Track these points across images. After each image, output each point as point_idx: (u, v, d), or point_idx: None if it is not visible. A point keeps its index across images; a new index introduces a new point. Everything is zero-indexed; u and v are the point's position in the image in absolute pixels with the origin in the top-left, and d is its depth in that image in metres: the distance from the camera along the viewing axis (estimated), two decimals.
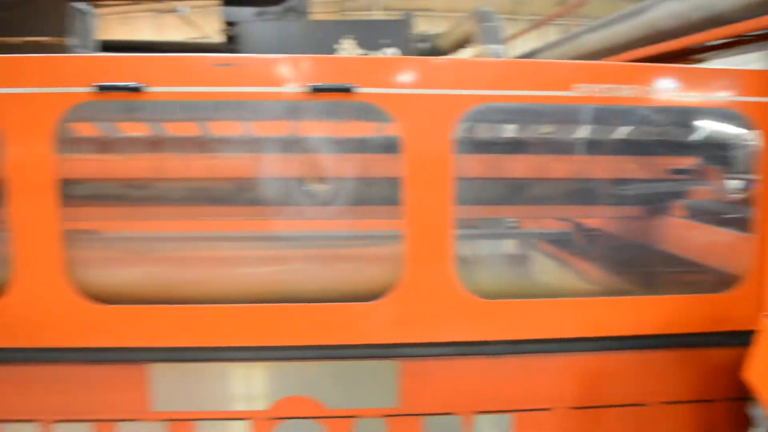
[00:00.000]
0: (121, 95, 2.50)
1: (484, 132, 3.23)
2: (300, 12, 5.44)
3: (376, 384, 2.70)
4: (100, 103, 2.54)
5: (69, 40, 5.05)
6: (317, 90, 2.47)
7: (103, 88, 2.48)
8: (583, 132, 3.04)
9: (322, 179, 2.81)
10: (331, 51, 5.15)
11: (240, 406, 2.69)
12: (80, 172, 3.16)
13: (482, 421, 2.76)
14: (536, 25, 9.28)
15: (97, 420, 2.73)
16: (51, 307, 2.58)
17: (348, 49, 4.89)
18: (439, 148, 2.51)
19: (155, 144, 3.28)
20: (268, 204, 3.00)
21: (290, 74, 2.54)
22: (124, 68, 2.52)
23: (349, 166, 2.80)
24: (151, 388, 2.67)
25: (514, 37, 8.60)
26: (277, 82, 2.54)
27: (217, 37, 5.72)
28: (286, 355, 2.67)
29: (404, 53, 5.24)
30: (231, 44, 5.49)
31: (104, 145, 3.32)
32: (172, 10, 14.28)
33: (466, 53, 5.85)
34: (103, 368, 2.67)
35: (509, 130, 3.48)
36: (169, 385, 2.69)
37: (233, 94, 2.58)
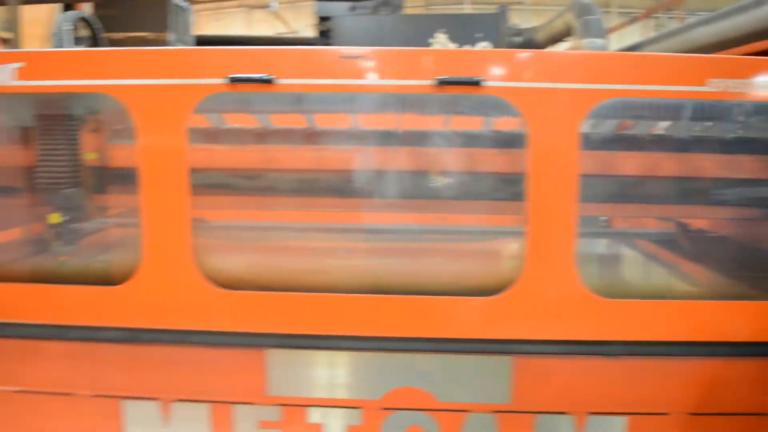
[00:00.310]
0: (252, 87, 2.58)
1: (599, 128, 3.15)
2: (394, 6, 5.45)
3: (490, 379, 2.70)
4: (227, 95, 2.63)
5: (169, 35, 5.24)
6: (445, 83, 2.49)
7: (236, 80, 2.55)
8: (711, 129, 2.92)
9: (443, 173, 2.79)
10: (425, 45, 5.14)
11: (352, 395, 2.70)
12: (207, 162, 3.26)
13: (595, 422, 2.72)
14: (636, 18, 8.94)
15: (215, 401, 2.82)
16: (178, 291, 2.68)
17: (441, 43, 4.85)
18: (567, 143, 2.49)
19: (278, 135, 3.33)
20: (392, 197, 2.98)
21: (418, 67, 2.53)
22: (254, 60, 2.61)
23: (470, 160, 2.76)
24: (267, 373, 2.75)
25: (610, 31, 8.34)
26: (405, 74, 2.55)
27: (306, 31, 5.73)
28: (400, 346, 2.69)
29: (497, 48, 5.17)
30: (324, 39, 5.53)
31: (228, 136, 3.34)
32: (263, 6, 14.61)
33: (562, 47, 5.73)
34: (223, 351, 2.76)
35: (615, 126, 3.37)
36: (285, 371, 2.76)
37: (360, 86, 2.60)
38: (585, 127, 2.53)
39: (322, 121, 3.37)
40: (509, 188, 2.57)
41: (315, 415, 2.73)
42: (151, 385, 2.81)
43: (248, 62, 2.57)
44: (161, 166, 2.54)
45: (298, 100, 2.85)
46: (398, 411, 2.74)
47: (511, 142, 2.54)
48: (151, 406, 2.83)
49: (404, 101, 2.69)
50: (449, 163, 2.88)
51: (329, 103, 2.97)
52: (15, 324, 2.81)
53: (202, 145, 3.35)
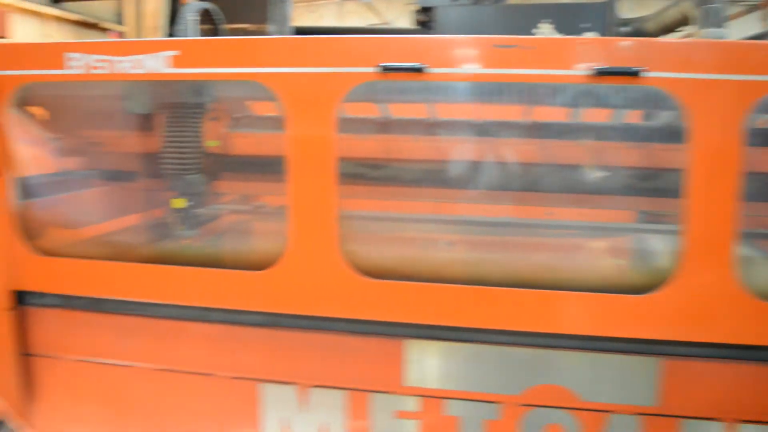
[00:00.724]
0: (403, 76, 2.57)
1: None
2: None
3: (636, 380, 2.64)
4: (376, 84, 2.63)
5: (269, 27, 5.34)
6: (603, 73, 2.44)
7: (387, 69, 2.56)
8: None
9: (598, 166, 2.73)
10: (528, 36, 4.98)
11: (491, 389, 2.67)
12: (352, 152, 3.30)
13: (747, 431, 2.61)
14: (757, 7, 8.49)
15: (352, 389, 2.86)
16: (321, 278, 2.73)
17: (546, 33, 4.73)
18: (730, 138, 2.42)
19: (425, 125, 3.35)
20: (546, 190, 2.92)
21: (575, 56, 2.50)
22: (405, 49, 2.60)
23: (624, 153, 2.69)
24: (406, 363, 2.73)
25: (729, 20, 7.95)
26: (561, 64, 2.51)
27: (398, 22, 5.69)
28: (544, 342, 2.67)
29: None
30: (424, 29, 5.50)
31: (374, 126, 3.37)
32: None
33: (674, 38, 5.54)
34: (363, 340, 2.79)
35: None
36: (424, 362, 2.76)
37: (513, 76, 2.57)
38: (748, 121, 2.38)
39: (465, 112, 3.33)
40: (651, 183, 2.43)
41: (452, 408, 2.71)
42: (289, 369, 2.88)
43: (398, 51, 2.57)
44: (310, 154, 2.56)
45: (444, 90, 2.80)
46: (538, 408, 2.70)
47: (653, 135, 2.41)
48: (288, 390, 2.90)
49: (562, 91, 2.61)
50: (604, 156, 2.78)
51: (474, 93, 2.96)
52: (159, 305, 2.95)
53: (349, 134, 3.32)
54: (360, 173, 3.40)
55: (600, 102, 2.88)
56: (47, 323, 3.14)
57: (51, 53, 2.81)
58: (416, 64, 2.53)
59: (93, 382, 3.18)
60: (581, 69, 2.49)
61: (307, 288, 2.66)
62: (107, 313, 2.94)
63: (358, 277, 2.59)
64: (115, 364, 3.10)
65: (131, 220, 3.85)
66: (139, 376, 2.98)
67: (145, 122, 3.92)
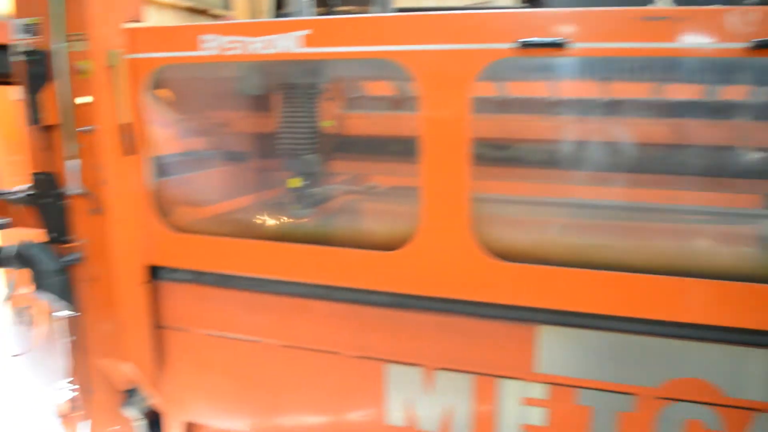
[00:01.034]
0: (542, 51, 2.39)
1: None
2: None
3: None
4: (512, 61, 2.45)
5: (371, 8, 5.32)
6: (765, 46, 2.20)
7: (526, 45, 2.44)
8: None
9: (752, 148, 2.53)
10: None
11: (628, 380, 2.54)
12: (484, 132, 3.25)
13: None
14: None
15: (479, 373, 2.80)
16: (452, 260, 2.67)
17: (663, 4, 4.44)
18: None
19: (559, 105, 3.27)
20: (694, 173, 2.86)
21: (731, 27, 2.32)
22: (544, 23, 2.40)
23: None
24: (537, 349, 2.64)
25: None
26: (715, 36, 2.33)
27: (502, 1, 5.50)
28: (686, 333, 2.45)
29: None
30: (531, 6, 5.28)
31: (504, 105, 3.29)
32: None
33: None
34: (493, 324, 2.73)
35: None
36: (556, 349, 2.62)
37: (665, 50, 2.42)
38: None
39: (605, 90, 3.22)
40: None
41: (584, 397, 2.61)
42: (415, 351, 2.85)
43: (537, 25, 2.39)
44: (443, 134, 2.49)
45: (583, 66, 2.73)
46: (678, 402, 2.56)
47: None
48: (414, 372, 2.87)
49: (714, 66, 2.48)
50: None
51: (614, 69, 2.86)
52: (286, 282, 3.00)
53: (483, 114, 3.32)
54: (491, 154, 3.34)
55: (756, 78, 2.64)
56: (178, 297, 3.25)
57: (186, 36, 2.87)
58: (557, 39, 2.40)
59: (219, 355, 3.26)
60: (740, 41, 2.30)
61: (437, 269, 2.61)
62: (235, 289, 3.00)
63: (490, 260, 2.53)
64: (241, 339, 3.18)
65: (250, 198, 3.93)
66: (264, 351, 3.04)
67: (263, 103, 3.99)
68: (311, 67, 3.40)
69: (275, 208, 3.72)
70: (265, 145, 3.90)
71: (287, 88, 3.50)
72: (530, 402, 2.69)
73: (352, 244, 2.77)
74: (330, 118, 4.05)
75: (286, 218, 3.55)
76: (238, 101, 3.90)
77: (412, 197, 3.39)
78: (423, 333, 2.78)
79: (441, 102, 2.48)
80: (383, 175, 4.02)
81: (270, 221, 3.49)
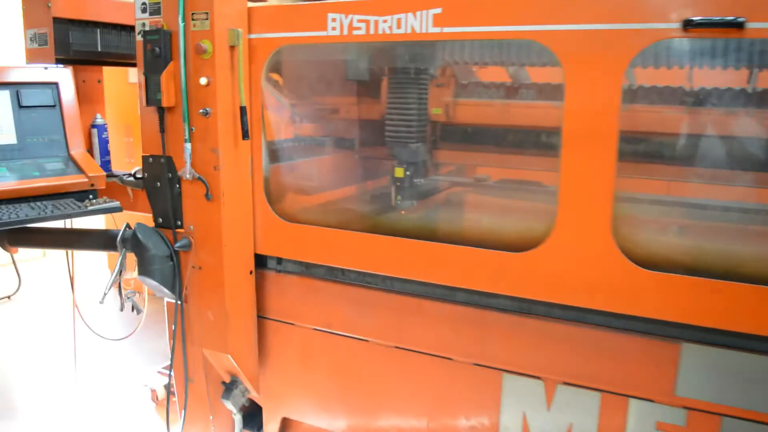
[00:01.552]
0: (713, 32, 2.11)
1: None
2: None
3: None
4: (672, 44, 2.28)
5: None
6: None
7: (693, 24, 2.16)
8: None
9: None
10: None
11: None
12: (634, 124, 3.06)
13: None
14: None
15: (608, 391, 2.62)
16: (588, 265, 2.48)
17: None
18: None
19: (725, 96, 2.99)
20: None
21: None
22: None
23: None
24: (679, 370, 2.41)
25: None
26: None
27: None
28: None
29: None
30: None
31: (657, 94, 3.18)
32: None
33: None
34: (630, 338, 2.52)
35: None
36: (702, 371, 2.37)
37: None
38: None
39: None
40: None
41: (729, 427, 2.36)
42: (537, 362, 2.70)
43: (707, 2, 2.05)
44: (588, 125, 2.29)
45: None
46: None
47: None
48: (533, 384, 2.72)
49: None
50: None
51: None
52: (399, 279, 2.89)
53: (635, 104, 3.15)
54: (638, 149, 3.14)
55: None
56: (285, 289, 3.22)
57: (313, 14, 2.79)
58: (734, 18, 2.11)
59: (323, 352, 3.21)
60: None
61: (570, 274, 2.43)
62: (344, 284, 2.94)
63: (631, 267, 2.32)
64: (348, 337, 3.11)
65: (357, 187, 3.91)
66: (371, 351, 2.94)
67: (373, 89, 3.94)
68: (423, 50, 3.31)
69: (379, 199, 3.67)
70: (373, 133, 3.87)
71: (397, 72, 3.43)
72: (666, 428, 2.53)
73: (470, 241, 2.63)
74: (439, 105, 3.93)
75: (391, 209, 3.50)
76: (348, 86, 3.87)
77: (525, 191, 3.46)
78: (548, 343, 2.59)
79: (589, 89, 2.29)
80: (491, 167, 3.91)
81: (384, 212, 3.42)
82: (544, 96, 3.62)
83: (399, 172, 3.56)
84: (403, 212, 3.50)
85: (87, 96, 3.71)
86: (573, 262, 2.50)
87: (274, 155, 3.30)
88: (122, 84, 5.69)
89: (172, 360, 3.19)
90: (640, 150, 3.12)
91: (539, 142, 3.50)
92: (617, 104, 2.20)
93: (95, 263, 6.38)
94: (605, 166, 2.38)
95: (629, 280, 2.43)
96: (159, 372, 3.80)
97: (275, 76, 3.50)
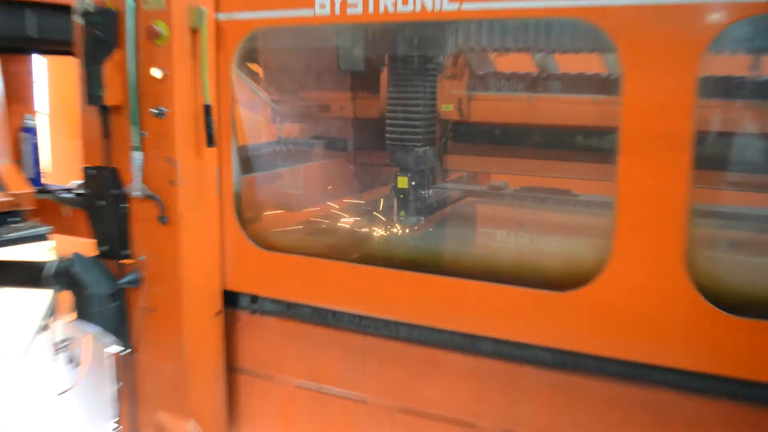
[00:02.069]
0: None
1: None
2: None
3: None
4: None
5: None
6: None
7: None
8: None
9: None
10: None
11: None
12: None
13: None
14: None
15: None
16: (655, 307, 2.21)
17: None
18: None
19: None
20: None
21: None
22: None
23: None
24: None
25: None
26: None
27: None
28: None
29: None
30: None
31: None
32: None
33: None
34: (718, 405, 2.23)
35: None
36: None
37: None
38: None
39: None
40: None
41: None
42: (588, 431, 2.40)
43: None
44: (654, 124, 2.10)
45: None
46: None
47: None
48: None
49: None
50: None
51: None
52: (405, 325, 2.65)
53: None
54: (719, 153, 2.88)
55: None
56: (263, 334, 2.98)
57: None
58: None
59: (310, 414, 2.95)
60: None
61: (629, 320, 2.21)
62: (336, 329, 2.76)
63: (712, 311, 2.08)
64: (342, 396, 2.86)
65: (349, 200, 3.71)
66: (371, 414, 2.75)
67: (369, 82, 3.79)
68: (433, 33, 3.13)
69: (380, 215, 3.48)
70: (371, 135, 3.69)
71: (400, 61, 3.22)
72: None
73: (496, 275, 2.48)
74: (450, 100, 3.76)
75: (393, 228, 3.31)
76: (341, 79, 3.71)
77: (557, 202, 3.25)
78: (599, 408, 2.36)
79: (655, 80, 2.10)
80: (511, 173, 3.72)
81: (383, 235, 3.22)
82: (578, 88, 3.45)
83: (402, 182, 3.39)
84: (407, 231, 3.31)
85: (17, 93, 3.44)
86: (633, 304, 2.23)
87: (248, 164, 3.10)
88: (71, 76, 5.38)
89: (120, 422, 2.95)
90: (720, 155, 2.87)
91: (577, 143, 3.36)
92: (691, 98, 2.02)
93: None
94: (677, 176, 2.10)
95: (709, 327, 2.14)
96: None
97: (253, 67, 3.35)
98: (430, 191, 3.42)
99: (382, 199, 3.50)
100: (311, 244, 3.10)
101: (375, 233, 3.25)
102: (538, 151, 3.48)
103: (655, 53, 2.04)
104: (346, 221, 3.42)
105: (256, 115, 3.40)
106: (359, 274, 2.65)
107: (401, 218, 3.32)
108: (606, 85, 3.21)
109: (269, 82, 3.44)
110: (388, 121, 3.26)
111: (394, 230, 3.27)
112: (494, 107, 3.73)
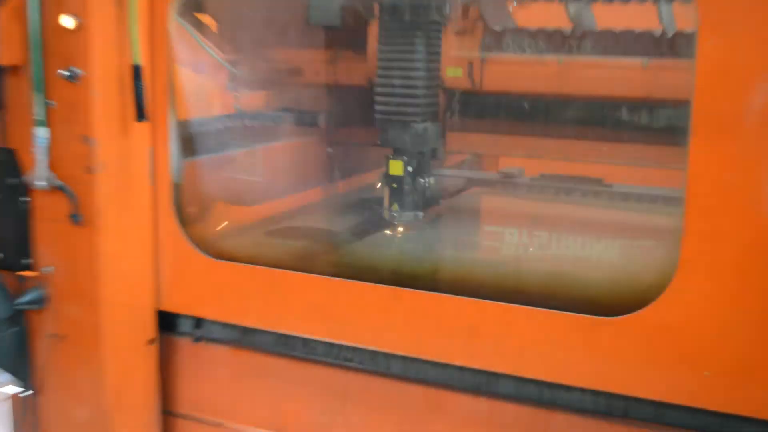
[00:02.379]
0: None
1: None
2: None
3: None
4: None
5: None
6: None
7: None
8: None
9: None
10: None
11: None
12: None
13: None
14: None
15: None
16: (742, 331, 2.17)
17: None
18: None
19: None
20: None
21: None
22: None
23: None
24: None
25: None
26: None
27: None
28: None
29: None
30: None
31: None
32: None
33: None
34: None
35: None
36: None
37: None
38: None
39: None
40: None
41: None
42: None
43: None
44: (738, 98, 2.07)
45: None
46: None
47: None
48: None
49: None
50: None
51: None
52: (403, 358, 2.61)
53: None
54: None
55: None
56: (207, 368, 2.96)
57: None
58: None
59: None
60: None
61: (706, 355, 2.19)
62: (308, 362, 2.74)
63: None
64: None
65: (325, 193, 3.71)
66: None
67: (351, 39, 3.77)
68: None
69: (364, 210, 3.49)
70: (355, 106, 3.65)
71: (392, 14, 3.19)
72: None
73: (519, 294, 2.46)
74: (458, 64, 3.74)
75: (383, 228, 3.29)
76: (314, 35, 3.68)
77: (593, 195, 3.24)
78: None
79: (742, 37, 2.09)
80: (535, 157, 3.72)
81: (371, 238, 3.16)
82: (623, 49, 3.43)
83: (396, 167, 3.33)
84: (401, 231, 3.27)
85: None
86: (708, 335, 2.18)
87: (192, 145, 3.02)
88: None
89: None
90: None
91: (620, 120, 3.34)
92: None
93: None
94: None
95: None
96: None
97: (202, 17, 3.30)
98: (431, 179, 3.37)
99: (369, 190, 3.49)
100: (276, 250, 3.07)
101: (359, 235, 3.24)
102: (570, 130, 3.51)
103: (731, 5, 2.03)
104: (323, 219, 3.38)
105: (205, 81, 3.33)
106: (338, 290, 2.62)
107: (394, 214, 3.28)
108: (661, 44, 3.19)
109: (224, 37, 3.39)
110: (377, 90, 3.21)
111: (385, 231, 3.25)
112: (514, 73, 3.74)
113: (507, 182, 3.48)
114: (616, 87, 3.39)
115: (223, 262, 2.77)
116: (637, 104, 3.26)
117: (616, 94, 3.36)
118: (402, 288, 2.54)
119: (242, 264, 2.76)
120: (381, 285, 2.58)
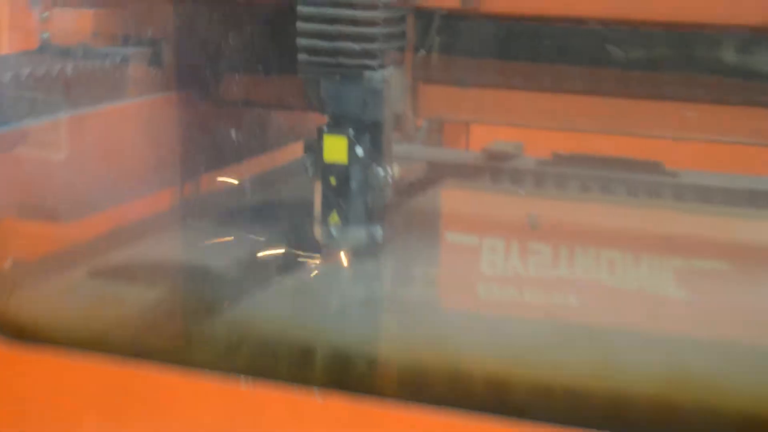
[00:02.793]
0: None
1: None
2: None
3: None
4: None
5: None
6: None
7: None
8: None
9: None
10: None
11: None
12: None
13: None
14: None
15: None
16: None
17: None
18: None
19: None
20: None
21: None
22: None
23: None
24: None
25: None
26: None
27: None
28: None
29: None
30: None
31: None
32: None
33: None
34: None
35: None
36: None
37: None
38: None
39: None
40: None
41: None
42: None
43: None
44: None
45: None
46: None
47: None
48: None
49: None
50: None
51: None
52: None
53: None
54: None
55: None
56: None
57: None
58: None
59: None
60: None
61: None
62: None
63: None
64: None
65: (196, 188, 3.40)
66: None
67: None
68: None
69: (273, 225, 3.13)
70: (261, 39, 3.31)
71: None
72: None
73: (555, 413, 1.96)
74: None
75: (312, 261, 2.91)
76: None
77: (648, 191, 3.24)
78: None
79: None
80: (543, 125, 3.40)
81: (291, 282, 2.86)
82: None
83: (335, 149, 3.03)
84: (344, 267, 2.93)
85: None
86: None
87: None
88: None
89: None
90: None
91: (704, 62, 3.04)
92: None
93: None
94: None
95: None
96: None
97: None
98: (396, 168, 3.03)
99: (283, 188, 3.36)
100: (105, 315, 2.59)
101: (264, 278, 2.91)
102: (621, 78, 3.13)
103: None
104: (193, 244, 3.14)
105: None
106: (242, 401, 2.18)
107: (332, 233, 2.92)
108: None
109: None
110: (302, 11, 2.87)
111: (312, 268, 2.94)
112: None
113: (511, 169, 3.42)
114: (711, 8, 2.96)
115: (22, 349, 2.31)
116: (748, 39, 2.96)
117: (710, 20, 2.96)
118: (352, 393, 2.10)
119: (55, 351, 2.31)
120: (314, 389, 2.11)
